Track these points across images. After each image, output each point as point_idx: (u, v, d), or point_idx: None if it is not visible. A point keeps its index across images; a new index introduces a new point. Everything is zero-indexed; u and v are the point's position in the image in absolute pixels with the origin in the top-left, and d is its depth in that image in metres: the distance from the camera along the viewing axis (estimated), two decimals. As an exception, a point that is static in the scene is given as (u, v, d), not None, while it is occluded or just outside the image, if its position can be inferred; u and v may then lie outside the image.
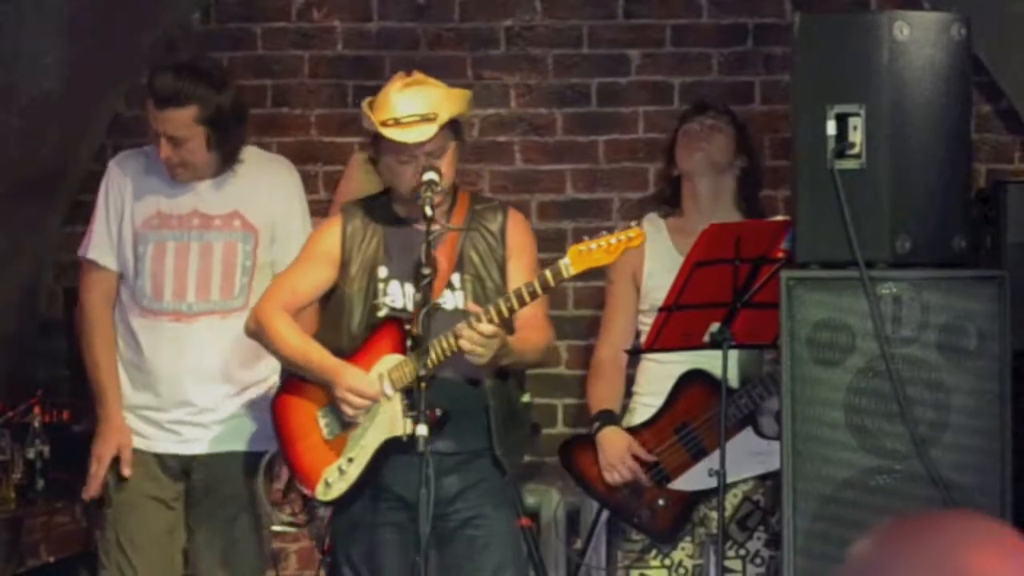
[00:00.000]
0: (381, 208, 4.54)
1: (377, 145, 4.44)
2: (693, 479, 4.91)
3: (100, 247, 4.84)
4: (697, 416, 4.92)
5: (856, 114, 4.10)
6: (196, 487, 4.81)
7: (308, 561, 5.92)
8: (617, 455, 4.94)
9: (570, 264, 4.27)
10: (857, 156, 4.10)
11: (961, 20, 4.18)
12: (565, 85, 6.09)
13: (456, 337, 4.23)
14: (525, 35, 6.11)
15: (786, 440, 4.13)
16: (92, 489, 4.80)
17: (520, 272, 4.48)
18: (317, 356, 4.44)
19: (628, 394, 5.17)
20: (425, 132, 4.33)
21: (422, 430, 4.05)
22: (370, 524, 4.47)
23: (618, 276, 5.09)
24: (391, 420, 4.39)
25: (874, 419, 4.08)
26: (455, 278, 4.47)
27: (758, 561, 4.95)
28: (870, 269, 4.08)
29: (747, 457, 4.80)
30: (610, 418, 5.03)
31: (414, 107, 4.35)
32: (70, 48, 5.58)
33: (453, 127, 4.42)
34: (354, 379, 4.37)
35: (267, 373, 4.75)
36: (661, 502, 4.94)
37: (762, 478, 4.93)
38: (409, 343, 4.36)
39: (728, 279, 4.54)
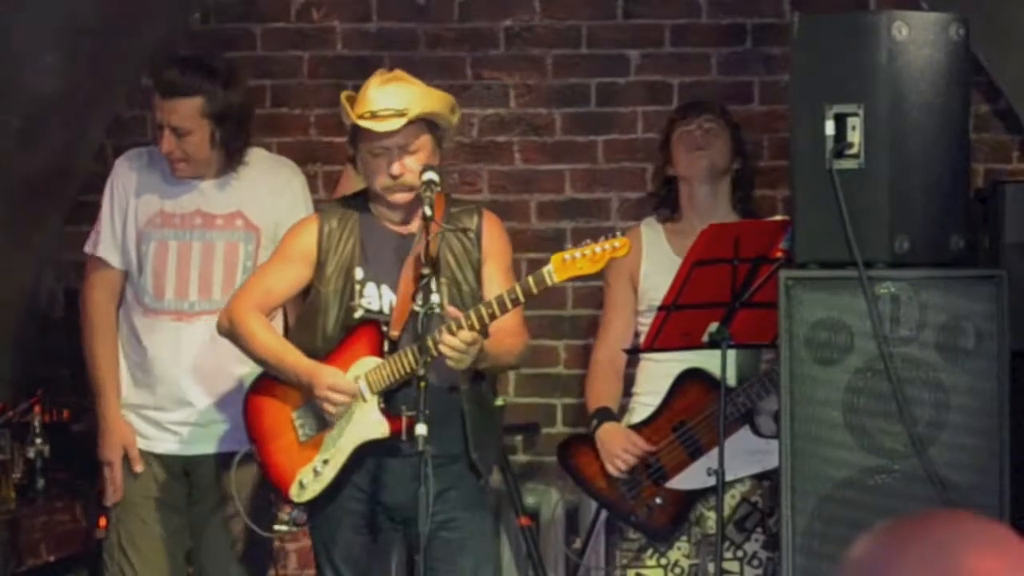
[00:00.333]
0: (358, 208, 4.52)
1: (355, 139, 4.45)
2: (690, 478, 4.92)
3: (107, 245, 4.84)
4: (695, 415, 4.93)
5: (855, 114, 4.10)
6: (197, 487, 4.82)
7: (308, 561, 5.91)
8: (618, 444, 4.95)
9: (553, 272, 4.24)
10: (856, 156, 4.10)
11: (959, 20, 4.18)
12: (564, 85, 6.09)
13: (435, 343, 4.22)
14: (524, 35, 6.11)
15: (785, 439, 4.13)
16: (115, 495, 4.80)
17: (495, 275, 4.47)
18: (292, 357, 4.41)
19: (627, 394, 5.18)
20: (396, 123, 4.34)
21: (421, 429, 4.03)
22: (349, 525, 4.46)
23: (615, 277, 5.10)
24: (367, 423, 4.38)
25: (873, 418, 4.08)
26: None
27: (755, 563, 4.95)
28: (868, 269, 4.08)
29: (744, 456, 4.80)
30: (608, 415, 5.04)
31: (391, 102, 4.35)
32: (70, 48, 5.58)
33: (430, 126, 4.42)
34: (333, 377, 4.35)
35: (266, 373, 4.76)
36: (658, 500, 4.95)
37: (759, 479, 4.93)
38: (387, 346, 4.36)
39: (727, 279, 4.55)
